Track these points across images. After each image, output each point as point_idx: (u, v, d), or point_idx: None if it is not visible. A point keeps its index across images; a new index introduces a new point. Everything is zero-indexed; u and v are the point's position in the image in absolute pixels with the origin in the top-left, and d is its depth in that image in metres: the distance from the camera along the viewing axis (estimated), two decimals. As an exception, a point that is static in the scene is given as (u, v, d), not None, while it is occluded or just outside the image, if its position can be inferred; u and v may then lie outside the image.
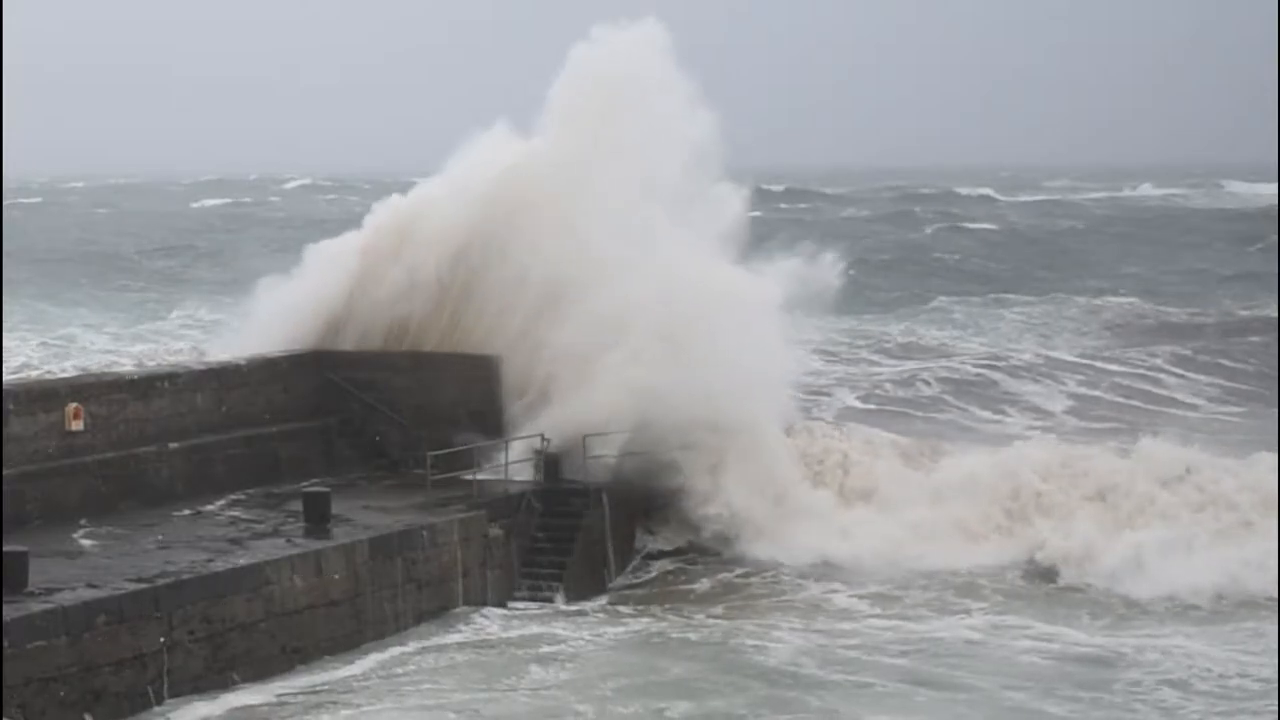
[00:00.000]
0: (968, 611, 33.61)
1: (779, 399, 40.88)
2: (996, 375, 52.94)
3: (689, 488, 38.41)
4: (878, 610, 33.71)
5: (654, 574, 36.82)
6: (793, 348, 44.17)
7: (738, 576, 36.35)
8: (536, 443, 37.12)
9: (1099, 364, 55.60)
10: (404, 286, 41.52)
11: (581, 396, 38.37)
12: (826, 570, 36.38)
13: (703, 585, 35.91)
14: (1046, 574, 35.93)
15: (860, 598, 34.66)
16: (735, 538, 37.89)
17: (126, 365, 48.46)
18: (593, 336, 39.11)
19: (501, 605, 33.58)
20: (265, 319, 42.28)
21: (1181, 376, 54.54)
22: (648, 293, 39.40)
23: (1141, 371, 54.94)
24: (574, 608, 33.97)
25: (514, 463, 36.44)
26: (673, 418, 38.13)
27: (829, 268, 44.53)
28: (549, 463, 36.95)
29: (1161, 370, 55.12)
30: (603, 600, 34.77)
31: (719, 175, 42.46)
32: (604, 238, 40.36)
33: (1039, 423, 47.45)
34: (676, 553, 37.69)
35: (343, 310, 41.50)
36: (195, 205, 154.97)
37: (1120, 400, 51.38)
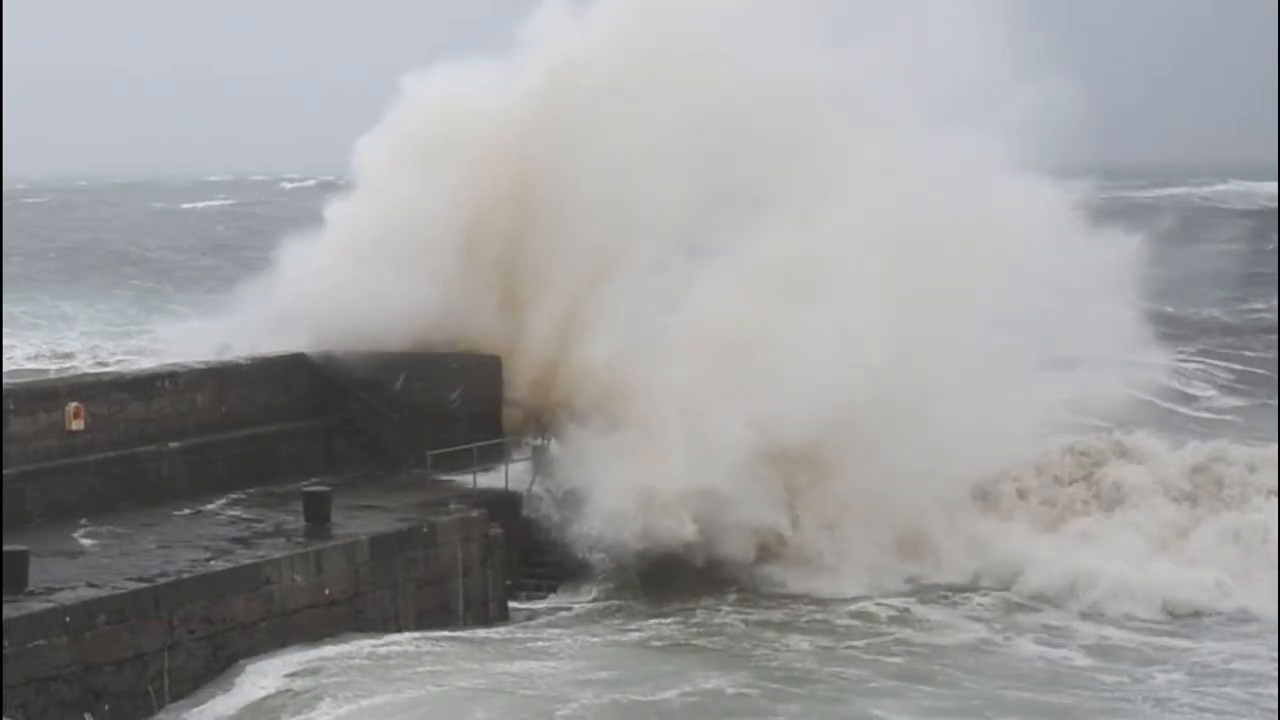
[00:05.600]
0: (971, 607, 33.79)
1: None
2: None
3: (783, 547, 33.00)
4: (881, 605, 33.76)
5: (656, 571, 36.79)
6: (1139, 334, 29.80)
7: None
8: (537, 442, 37.11)
9: (1108, 360, 55.45)
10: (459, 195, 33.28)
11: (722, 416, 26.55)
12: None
13: (706, 581, 35.87)
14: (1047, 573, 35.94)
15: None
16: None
17: (143, 362, 48.28)
18: (757, 296, 25.66)
19: (502, 604, 33.58)
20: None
21: (1200, 370, 54.45)
22: (881, 218, 25.12)
23: (1156, 366, 54.86)
24: (574, 606, 33.98)
25: (514, 462, 36.36)
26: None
27: (1132, 250, 30.55)
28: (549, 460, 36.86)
29: (1178, 366, 55.03)
30: (604, 598, 34.73)
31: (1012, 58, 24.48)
32: (785, 120, 24.91)
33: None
34: (679, 548, 37.61)
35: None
36: (200, 205, 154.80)
37: (1128, 394, 51.29)
